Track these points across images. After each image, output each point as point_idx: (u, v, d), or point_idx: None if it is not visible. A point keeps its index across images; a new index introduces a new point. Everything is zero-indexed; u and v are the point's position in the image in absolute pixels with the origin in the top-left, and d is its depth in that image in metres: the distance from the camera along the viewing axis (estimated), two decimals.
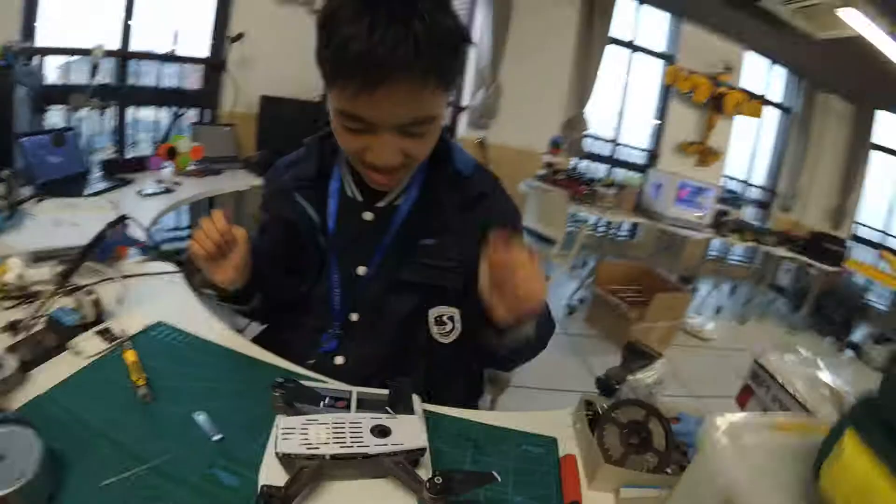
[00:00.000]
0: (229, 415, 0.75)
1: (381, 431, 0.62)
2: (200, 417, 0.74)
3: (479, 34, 3.91)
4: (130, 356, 0.82)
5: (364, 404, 0.72)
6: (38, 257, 1.00)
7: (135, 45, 2.79)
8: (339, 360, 0.92)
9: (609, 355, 2.93)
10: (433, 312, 0.90)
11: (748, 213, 4.33)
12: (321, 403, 0.67)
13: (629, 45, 4.56)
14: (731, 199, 4.27)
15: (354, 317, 0.91)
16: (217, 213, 0.80)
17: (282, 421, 0.62)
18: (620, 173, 4.80)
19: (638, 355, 0.86)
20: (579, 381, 2.63)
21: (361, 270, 0.89)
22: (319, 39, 0.69)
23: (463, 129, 4.15)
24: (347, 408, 0.72)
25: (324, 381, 0.83)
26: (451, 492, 0.55)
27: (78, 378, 0.79)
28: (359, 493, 0.62)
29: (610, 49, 4.24)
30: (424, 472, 0.62)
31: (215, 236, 0.78)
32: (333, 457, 0.58)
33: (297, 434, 0.60)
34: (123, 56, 2.74)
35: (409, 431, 0.63)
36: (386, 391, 0.72)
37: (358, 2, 0.65)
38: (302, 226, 0.89)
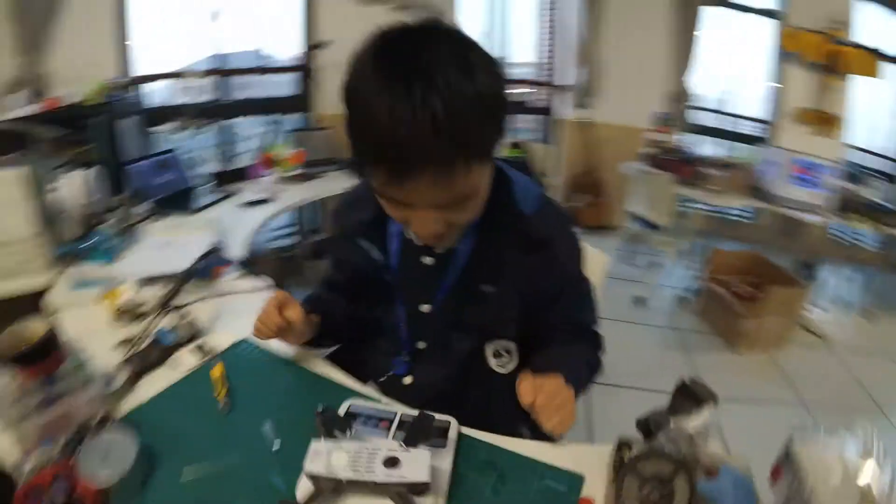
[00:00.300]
0: (292, 428, 0.85)
1: (392, 462, 0.68)
2: (266, 428, 0.85)
3: (575, 12, 3.77)
4: (216, 371, 0.97)
5: (404, 426, 0.79)
6: (147, 281, 1.19)
7: (227, 54, 2.97)
8: (407, 380, 0.99)
9: (717, 354, 2.68)
10: (490, 347, 0.95)
11: (876, 190, 3.66)
12: (350, 431, 0.74)
13: (732, 5, 4.06)
14: (855, 174, 3.65)
15: (421, 345, 0.97)
16: (272, 304, 0.90)
17: (313, 444, 0.70)
18: (731, 147, 4.34)
19: (688, 397, 0.80)
20: None
21: (425, 308, 0.92)
22: (345, 114, 0.68)
23: (565, 110, 4.05)
24: (389, 427, 0.80)
25: (377, 400, 0.91)
26: None
27: (172, 389, 0.94)
28: None
29: (711, 11, 3.83)
30: (433, 500, 0.69)
31: (272, 326, 0.89)
32: (348, 481, 0.66)
33: (323, 457, 0.68)
34: (219, 73, 2.95)
35: (415, 465, 0.67)
36: (432, 416, 0.79)
37: (377, 75, 0.62)
38: (368, 266, 0.94)
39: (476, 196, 0.74)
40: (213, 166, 2.62)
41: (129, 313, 1.10)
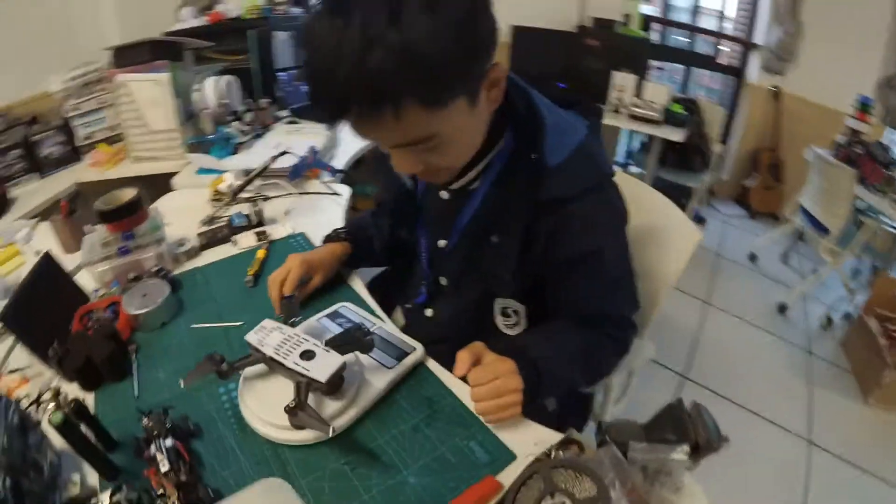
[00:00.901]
0: None
1: (307, 355, 0.74)
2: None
3: None
4: (260, 254, 1.14)
5: (377, 342, 0.86)
6: (247, 172, 1.42)
7: None
8: (428, 312, 1.00)
9: (844, 398, 2.12)
10: (499, 303, 0.91)
11: None
12: (298, 320, 0.87)
13: None
14: None
15: (443, 281, 0.96)
16: (271, 281, 0.95)
17: (266, 321, 0.80)
18: None
19: (675, 424, 0.65)
20: (792, 415, 2.00)
21: (442, 243, 0.92)
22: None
23: (754, 72, 3.30)
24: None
25: (372, 311, 0.98)
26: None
27: (224, 262, 1.16)
28: (278, 390, 0.76)
29: None
30: (342, 406, 0.75)
31: (275, 297, 0.94)
32: (270, 358, 0.75)
33: (265, 332, 0.78)
34: None
35: (322, 365, 0.72)
36: (368, 330, 0.83)
37: (330, 13, 0.57)
38: (402, 191, 0.93)
39: (452, 141, 0.68)
40: None
41: (223, 197, 1.34)
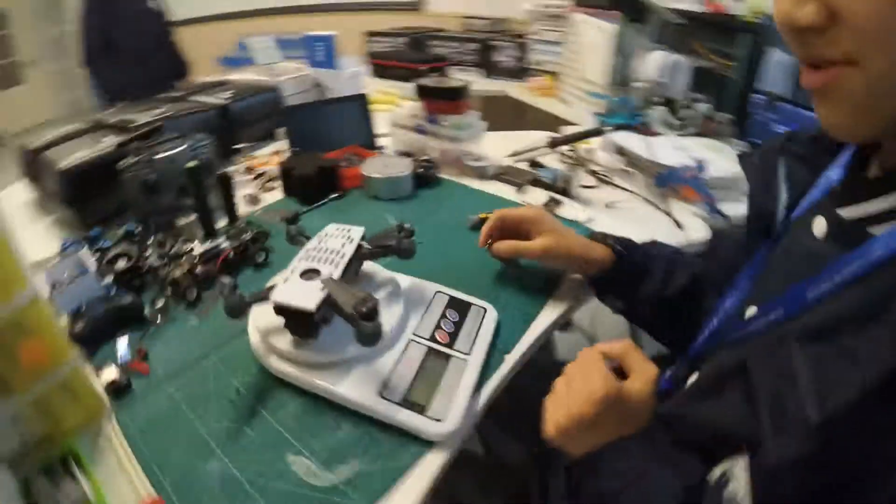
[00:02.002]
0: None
1: (309, 273, 0.54)
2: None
3: None
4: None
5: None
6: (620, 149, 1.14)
7: None
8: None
9: None
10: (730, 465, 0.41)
11: None
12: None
13: None
14: None
15: (693, 378, 0.50)
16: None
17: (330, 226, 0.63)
18: None
19: None
20: None
21: (752, 311, 0.45)
22: None
23: None
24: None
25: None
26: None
27: (486, 195, 0.99)
28: None
29: None
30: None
31: None
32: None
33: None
34: None
35: (308, 292, 0.51)
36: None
37: None
38: (758, 212, 0.53)
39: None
40: None
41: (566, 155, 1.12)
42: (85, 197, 0.79)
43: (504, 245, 0.70)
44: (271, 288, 0.53)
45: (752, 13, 1.49)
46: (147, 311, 0.63)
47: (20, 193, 0.91)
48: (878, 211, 0.35)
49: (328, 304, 0.50)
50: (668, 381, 0.55)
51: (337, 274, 0.53)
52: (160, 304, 0.64)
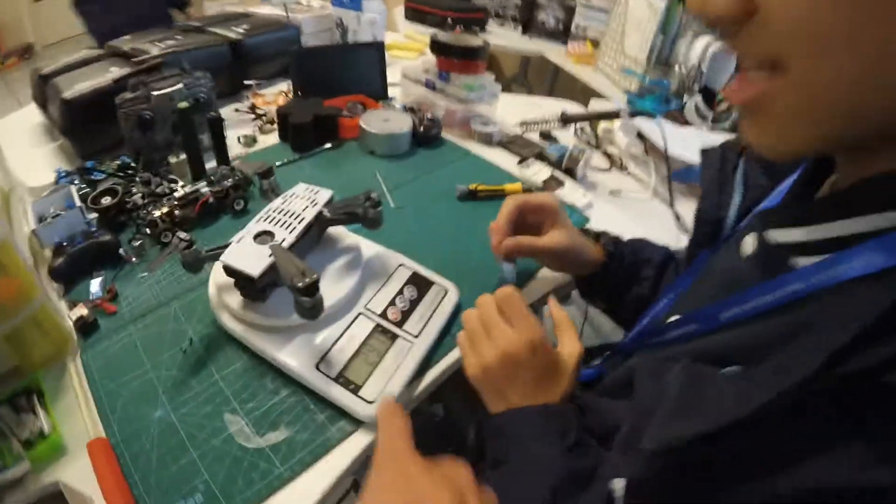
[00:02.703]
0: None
1: (263, 236, 0.55)
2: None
3: None
4: (514, 188, 0.88)
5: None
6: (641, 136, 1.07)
7: None
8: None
9: None
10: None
11: None
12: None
13: None
14: None
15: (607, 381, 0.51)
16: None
17: (299, 185, 0.63)
18: None
19: None
20: None
21: (673, 319, 0.43)
22: None
23: None
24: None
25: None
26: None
27: (481, 161, 0.95)
28: None
29: None
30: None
31: None
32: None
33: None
34: None
35: (255, 256, 0.51)
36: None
37: None
38: (708, 205, 0.50)
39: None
40: None
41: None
42: (85, 128, 0.80)
43: (516, 244, 0.60)
44: (225, 247, 0.53)
45: None
46: (123, 250, 0.66)
47: (32, 116, 0.94)
48: (807, 240, 0.31)
49: (274, 270, 0.51)
50: (599, 367, 0.56)
51: (289, 241, 0.53)
52: (136, 244, 0.66)
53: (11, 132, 0.92)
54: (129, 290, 0.63)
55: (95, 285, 0.62)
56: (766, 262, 0.35)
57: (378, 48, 1.04)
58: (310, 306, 0.48)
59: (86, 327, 0.57)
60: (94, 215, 0.69)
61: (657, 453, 0.29)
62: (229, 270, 0.52)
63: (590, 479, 0.39)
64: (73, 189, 0.68)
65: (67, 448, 0.48)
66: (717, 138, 1.16)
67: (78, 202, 0.66)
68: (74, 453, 0.48)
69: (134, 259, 0.66)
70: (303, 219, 0.56)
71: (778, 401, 0.25)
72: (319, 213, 0.58)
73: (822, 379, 0.24)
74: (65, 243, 0.63)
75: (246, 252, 0.52)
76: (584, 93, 1.53)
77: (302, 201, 0.59)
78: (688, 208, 0.95)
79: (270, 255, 0.51)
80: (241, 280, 0.52)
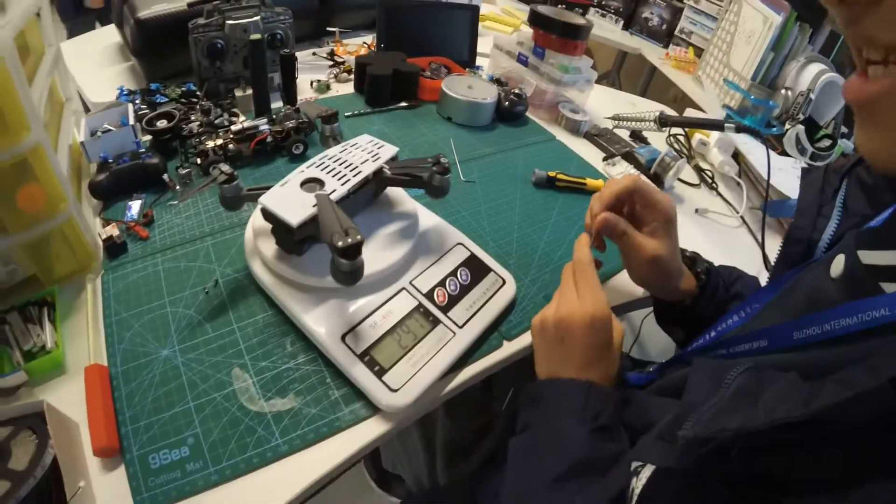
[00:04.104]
0: None
1: (311, 183, 0.49)
2: None
3: None
4: (596, 185, 0.79)
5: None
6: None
7: None
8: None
9: None
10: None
11: None
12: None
13: None
14: None
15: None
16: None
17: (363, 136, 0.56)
18: None
19: None
20: None
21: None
22: None
23: None
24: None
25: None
26: None
27: (567, 153, 0.86)
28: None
29: None
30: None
31: None
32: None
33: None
34: None
35: (299, 204, 0.45)
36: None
37: None
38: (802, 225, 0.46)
39: None
40: None
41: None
42: (156, 50, 0.78)
43: (616, 221, 0.51)
44: (268, 187, 0.48)
45: None
46: (168, 176, 0.61)
47: (111, 35, 0.93)
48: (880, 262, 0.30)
49: (315, 223, 0.44)
50: (652, 374, 0.51)
51: (340, 193, 0.47)
52: (183, 172, 0.62)
53: (87, 49, 0.91)
54: (166, 218, 0.58)
55: (134, 208, 0.58)
56: (854, 283, 0.32)
57: (473, 11, 0.96)
58: (347, 270, 0.41)
59: (114, 248, 0.54)
60: (146, 137, 0.65)
61: (694, 443, 0.27)
62: (267, 214, 0.46)
63: (610, 465, 0.37)
64: (131, 107, 0.64)
65: (67, 368, 0.45)
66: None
67: (132, 120, 0.63)
68: (71, 375, 0.44)
69: (177, 187, 0.61)
70: (359, 172, 0.50)
71: (838, 411, 0.23)
72: (379, 170, 0.52)
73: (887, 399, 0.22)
74: (110, 160, 0.60)
75: (289, 197, 0.46)
76: (676, 101, 1.40)
77: (362, 153, 0.52)
78: (775, 244, 0.82)
79: (314, 205, 0.44)
80: (278, 227, 0.46)
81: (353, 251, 0.41)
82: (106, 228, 0.54)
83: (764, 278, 0.71)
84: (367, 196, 0.54)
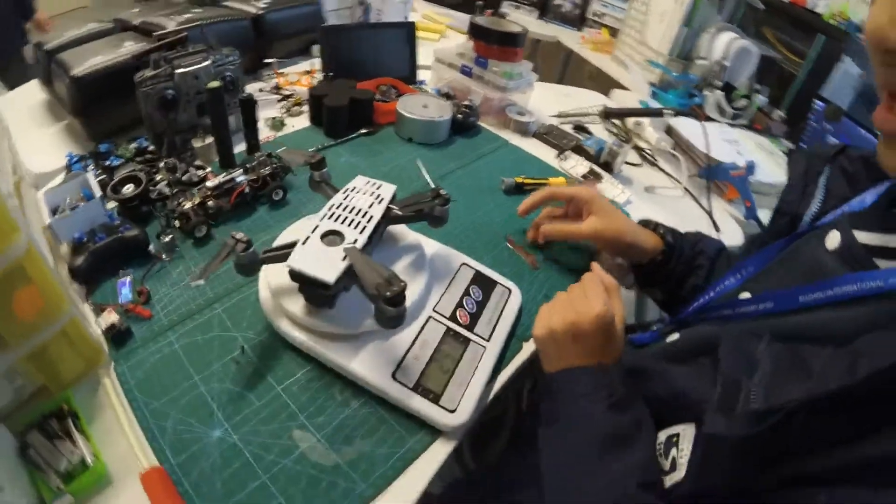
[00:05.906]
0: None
1: (331, 236, 0.49)
2: None
3: None
4: (558, 182, 0.84)
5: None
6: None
7: None
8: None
9: None
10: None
11: None
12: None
13: None
14: None
15: (674, 337, 0.53)
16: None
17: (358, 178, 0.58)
18: None
19: None
20: None
21: (745, 295, 0.48)
22: None
23: None
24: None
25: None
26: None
27: (519, 152, 0.91)
28: None
29: None
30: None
31: None
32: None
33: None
34: None
35: (330, 261, 0.46)
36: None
37: None
38: (790, 201, 0.54)
39: None
40: None
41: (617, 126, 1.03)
42: (97, 108, 0.72)
43: (552, 229, 0.67)
44: (288, 247, 0.48)
45: (833, 14, 1.33)
46: (153, 246, 0.59)
47: (33, 93, 0.84)
48: (891, 246, 0.37)
49: (349, 276, 0.45)
50: (655, 333, 0.58)
51: (362, 241, 0.48)
52: (167, 239, 0.60)
53: (11, 111, 0.82)
54: (164, 291, 0.56)
55: (124, 287, 0.55)
56: (850, 257, 0.39)
57: (409, 28, 0.98)
58: (394, 315, 0.43)
59: (119, 336, 0.51)
60: (114, 205, 0.62)
61: (764, 414, 0.31)
62: (297, 276, 0.46)
63: (633, 435, 0.41)
64: (91, 176, 0.60)
65: (111, 478, 0.42)
66: (738, 134, 1.16)
67: (97, 191, 0.59)
68: (119, 483, 0.42)
69: (164, 256, 0.59)
70: (371, 217, 0.51)
71: (886, 373, 0.28)
72: (388, 210, 0.53)
73: None
74: (84, 238, 0.56)
75: (316, 255, 0.46)
76: (594, 80, 1.49)
77: (366, 197, 0.54)
78: (718, 207, 0.93)
79: (345, 259, 0.45)
80: (310, 286, 0.47)
81: (400, 298, 0.42)
82: (102, 316, 0.51)
83: (713, 235, 0.81)
84: (377, 237, 0.55)
